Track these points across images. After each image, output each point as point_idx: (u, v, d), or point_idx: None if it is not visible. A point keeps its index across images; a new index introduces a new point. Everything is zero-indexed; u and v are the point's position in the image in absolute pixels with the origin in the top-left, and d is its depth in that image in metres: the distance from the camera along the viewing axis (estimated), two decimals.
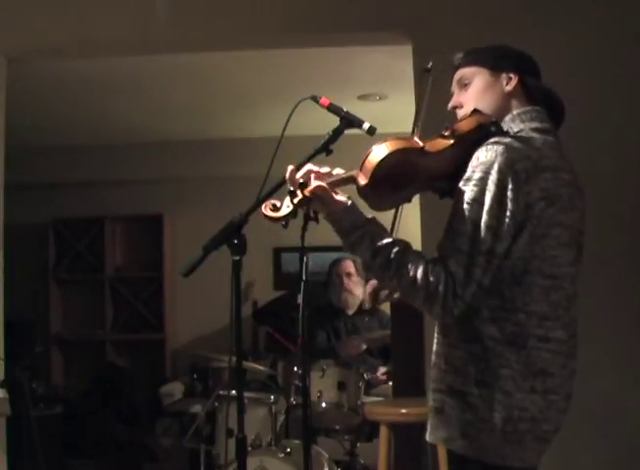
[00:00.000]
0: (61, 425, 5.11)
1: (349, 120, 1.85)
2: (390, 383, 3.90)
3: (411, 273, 1.64)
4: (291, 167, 1.74)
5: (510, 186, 1.63)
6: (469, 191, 1.66)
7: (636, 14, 3.24)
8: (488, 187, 1.64)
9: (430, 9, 3.38)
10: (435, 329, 1.83)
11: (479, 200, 1.65)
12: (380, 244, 1.68)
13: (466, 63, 1.89)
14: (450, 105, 1.92)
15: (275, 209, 1.69)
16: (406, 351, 3.54)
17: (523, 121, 1.80)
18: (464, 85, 1.89)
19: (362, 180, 1.70)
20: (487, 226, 1.63)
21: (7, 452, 3.47)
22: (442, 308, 1.63)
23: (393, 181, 1.72)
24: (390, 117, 4.94)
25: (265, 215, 1.70)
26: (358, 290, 4.72)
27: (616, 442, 3.14)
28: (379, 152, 1.69)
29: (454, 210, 1.69)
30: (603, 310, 3.05)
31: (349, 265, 4.73)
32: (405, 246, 1.69)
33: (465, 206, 1.65)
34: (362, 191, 1.71)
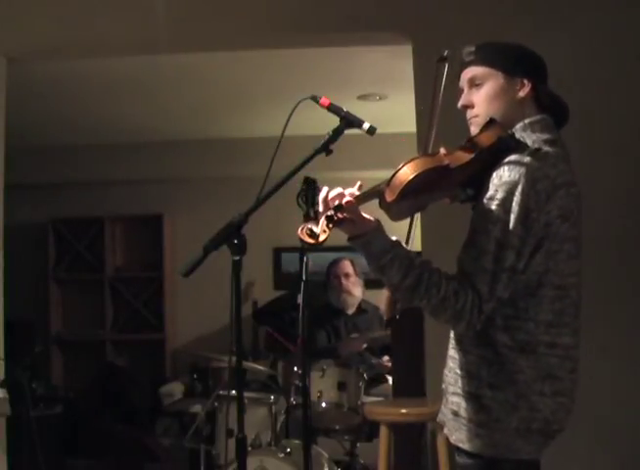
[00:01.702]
0: (61, 425, 5.10)
1: (349, 120, 1.85)
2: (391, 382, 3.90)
3: (441, 293, 1.67)
4: (326, 189, 1.74)
5: (533, 207, 1.68)
6: (493, 210, 1.70)
7: (637, 14, 3.24)
8: (512, 208, 1.68)
9: (430, 9, 3.38)
10: (451, 333, 1.86)
11: (503, 220, 1.68)
12: (409, 266, 1.70)
13: (479, 62, 1.85)
14: (461, 103, 1.90)
15: (313, 234, 1.68)
16: (406, 350, 3.54)
17: (534, 131, 1.81)
18: (476, 85, 1.86)
19: (389, 197, 1.73)
20: (511, 246, 1.68)
21: (7, 452, 3.47)
22: (468, 325, 1.69)
23: (417, 196, 1.76)
24: (390, 117, 4.95)
25: (304, 241, 1.69)
26: (357, 290, 4.72)
27: (616, 443, 3.15)
28: (408, 171, 1.73)
29: (477, 227, 1.72)
30: (603, 310, 3.05)
31: (347, 266, 4.73)
32: (431, 266, 1.72)
33: (489, 226, 1.69)
34: (386, 205, 1.75)
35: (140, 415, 5.77)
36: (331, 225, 1.68)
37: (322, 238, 1.68)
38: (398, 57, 3.66)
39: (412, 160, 1.75)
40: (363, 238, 1.72)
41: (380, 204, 1.76)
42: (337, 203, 1.70)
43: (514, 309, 1.72)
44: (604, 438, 3.13)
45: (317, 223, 1.69)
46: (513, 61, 1.85)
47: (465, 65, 1.88)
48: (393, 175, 1.73)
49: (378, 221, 1.74)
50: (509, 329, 1.72)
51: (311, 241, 1.68)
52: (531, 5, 3.29)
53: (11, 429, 3.49)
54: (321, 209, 1.72)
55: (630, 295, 3.19)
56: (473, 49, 1.87)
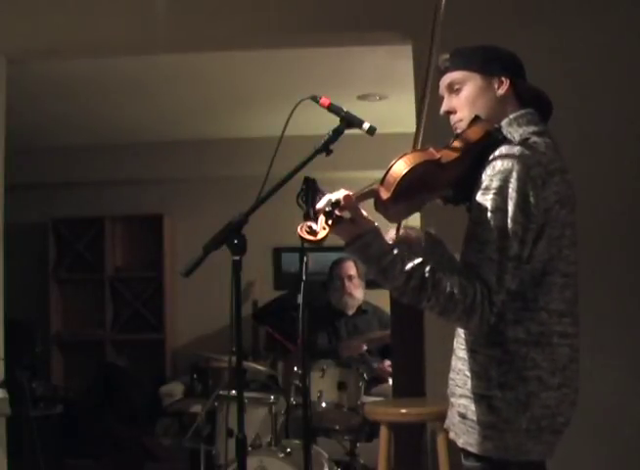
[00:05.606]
0: (61, 425, 5.11)
1: (349, 120, 1.85)
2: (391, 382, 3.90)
3: (448, 289, 1.64)
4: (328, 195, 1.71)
5: (531, 193, 1.67)
6: (490, 200, 1.68)
7: (630, 14, 3.25)
8: (510, 195, 1.67)
9: (429, 9, 3.37)
10: (456, 333, 1.84)
11: (502, 208, 1.67)
12: (412, 266, 1.66)
13: (455, 66, 1.88)
14: (443, 109, 1.91)
15: (312, 232, 1.66)
16: (406, 350, 3.54)
17: (520, 125, 1.82)
18: (455, 90, 1.88)
19: (384, 194, 1.71)
20: (513, 233, 1.66)
21: (7, 452, 3.47)
22: (481, 319, 1.65)
23: (412, 193, 1.74)
24: (390, 117, 4.95)
25: (304, 239, 1.66)
26: (358, 292, 4.70)
27: (615, 442, 3.15)
28: (401, 166, 1.71)
29: (476, 219, 1.70)
30: (603, 310, 3.05)
31: (351, 267, 4.71)
32: (434, 263, 1.69)
33: (489, 215, 1.67)
34: (383, 204, 1.72)
35: (140, 415, 5.77)
36: (330, 222, 1.65)
37: (321, 235, 1.65)
38: (398, 57, 3.66)
39: (404, 155, 1.73)
40: (361, 240, 1.68)
41: (375, 206, 1.73)
42: (334, 199, 1.67)
43: (522, 301, 1.70)
44: (604, 437, 3.13)
45: (317, 221, 1.67)
46: (487, 60, 1.87)
47: (442, 72, 1.90)
48: (387, 172, 1.71)
49: (375, 224, 1.72)
50: (521, 322, 1.70)
51: (311, 238, 1.66)
52: (531, 6, 3.29)
53: (11, 429, 3.49)
54: (324, 207, 1.69)
55: (630, 294, 3.19)
56: (448, 56, 1.90)
